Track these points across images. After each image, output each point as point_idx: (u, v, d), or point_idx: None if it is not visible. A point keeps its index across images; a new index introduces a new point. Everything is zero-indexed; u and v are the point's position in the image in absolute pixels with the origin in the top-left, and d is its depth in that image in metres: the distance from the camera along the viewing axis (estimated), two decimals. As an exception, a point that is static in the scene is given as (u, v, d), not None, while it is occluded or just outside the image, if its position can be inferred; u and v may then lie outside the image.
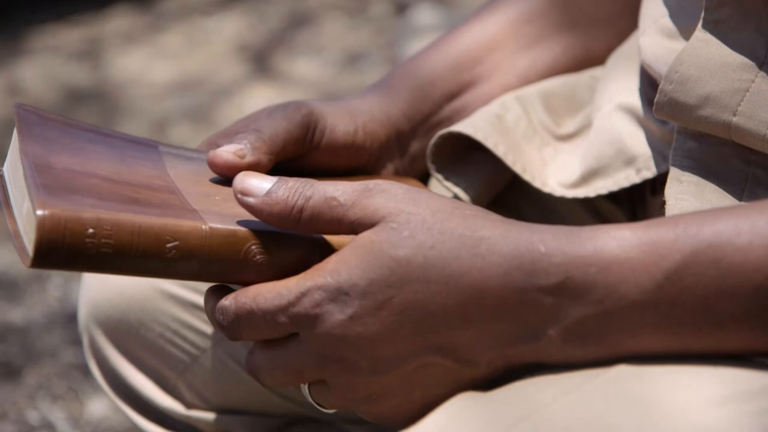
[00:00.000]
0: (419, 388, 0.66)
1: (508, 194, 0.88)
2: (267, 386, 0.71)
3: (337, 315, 0.65)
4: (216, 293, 0.70)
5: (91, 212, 0.64)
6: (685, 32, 0.76)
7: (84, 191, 0.67)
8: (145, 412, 0.94)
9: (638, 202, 0.87)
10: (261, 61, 2.60)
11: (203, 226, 0.67)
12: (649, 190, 0.85)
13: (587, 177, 0.83)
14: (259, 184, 0.68)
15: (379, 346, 0.65)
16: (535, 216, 0.88)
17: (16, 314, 1.81)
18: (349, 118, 0.83)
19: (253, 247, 0.68)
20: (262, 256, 0.68)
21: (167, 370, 0.91)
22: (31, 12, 2.92)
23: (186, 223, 0.67)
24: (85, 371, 1.64)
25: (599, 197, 0.86)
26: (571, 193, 0.83)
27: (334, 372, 0.67)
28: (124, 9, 2.91)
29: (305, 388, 0.70)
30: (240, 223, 0.68)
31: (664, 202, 0.73)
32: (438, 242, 0.64)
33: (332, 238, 0.70)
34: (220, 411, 0.92)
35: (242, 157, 0.76)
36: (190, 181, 0.74)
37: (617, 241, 0.62)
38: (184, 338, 0.90)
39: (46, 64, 2.71)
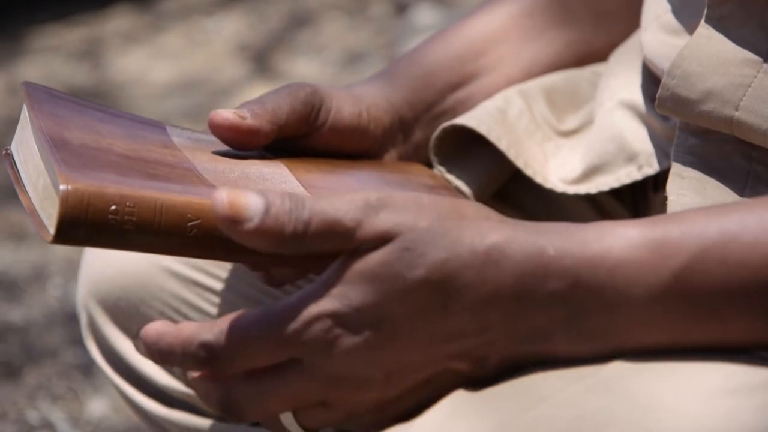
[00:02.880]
0: (429, 391, 0.66)
1: (510, 187, 0.88)
2: (245, 421, 0.67)
3: (352, 339, 0.63)
4: (201, 329, 0.66)
5: (114, 188, 0.64)
6: (688, 28, 0.76)
7: (104, 166, 0.67)
8: (145, 390, 0.94)
9: (640, 199, 0.88)
10: (261, 61, 2.60)
11: None
12: (651, 187, 0.85)
13: (588, 173, 0.83)
14: (246, 209, 0.63)
15: (396, 362, 0.64)
16: (537, 209, 0.89)
17: (16, 314, 1.81)
18: (354, 102, 0.83)
19: None
20: None
21: (167, 346, 0.91)
22: (31, 12, 2.92)
23: (208, 202, 0.66)
24: (86, 371, 1.64)
25: (601, 192, 0.86)
26: (572, 189, 0.83)
27: (344, 391, 0.65)
28: (124, 9, 2.91)
29: (289, 416, 0.67)
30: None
31: (665, 198, 0.73)
32: (451, 255, 0.63)
33: None
34: None
35: (243, 118, 0.76)
36: (204, 157, 0.74)
37: (624, 241, 0.62)
38: (185, 316, 0.90)
39: (46, 64, 2.71)
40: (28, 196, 0.68)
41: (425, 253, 0.63)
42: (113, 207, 0.64)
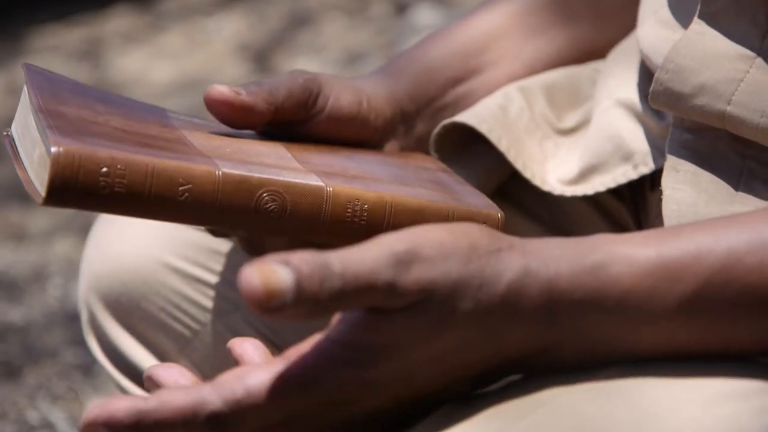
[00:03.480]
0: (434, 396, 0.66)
1: (510, 184, 0.88)
2: None
3: (372, 396, 0.61)
4: (174, 402, 0.60)
5: (105, 151, 0.65)
6: (683, 23, 0.76)
7: (97, 135, 0.67)
8: (144, 386, 0.94)
9: (638, 196, 0.88)
10: (261, 61, 2.60)
11: (216, 171, 0.67)
12: (648, 185, 0.85)
13: (585, 173, 0.83)
14: (276, 286, 0.57)
15: (408, 400, 0.63)
16: (536, 206, 0.89)
17: (16, 314, 1.81)
18: (354, 91, 0.83)
19: (265, 195, 0.68)
20: (274, 204, 0.68)
21: (168, 344, 0.91)
22: (31, 12, 2.92)
23: (199, 167, 0.67)
24: (85, 371, 1.64)
25: (599, 192, 0.86)
26: (569, 191, 0.83)
27: (353, 428, 0.64)
28: (124, 9, 2.92)
29: None
30: (253, 170, 0.69)
31: (662, 192, 0.73)
32: (476, 305, 0.61)
33: (347, 188, 0.70)
34: None
35: (238, 93, 0.76)
36: (201, 136, 0.75)
37: (630, 269, 0.62)
38: (186, 312, 0.90)
39: (46, 64, 2.70)
40: (24, 168, 0.68)
41: (455, 307, 0.60)
42: (104, 169, 0.64)
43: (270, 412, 0.60)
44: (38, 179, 0.66)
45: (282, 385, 0.60)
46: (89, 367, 1.64)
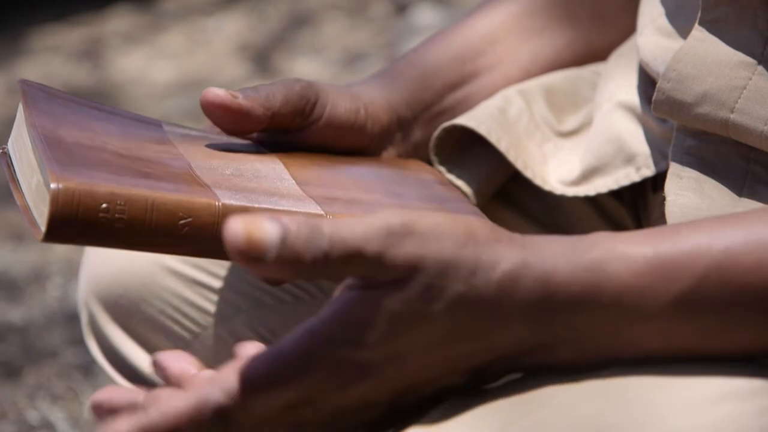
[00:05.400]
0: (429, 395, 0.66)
1: (511, 187, 0.88)
2: None
3: (362, 377, 0.62)
4: (176, 399, 0.62)
5: (104, 186, 0.64)
6: (683, 31, 0.76)
7: (96, 165, 0.67)
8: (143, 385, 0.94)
9: (639, 198, 0.88)
10: (261, 61, 2.60)
11: (216, 203, 0.67)
12: (650, 187, 0.85)
13: (587, 175, 0.83)
14: (262, 241, 0.58)
15: (402, 389, 0.63)
16: (537, 208, 0.89)
17: (16, 314, 1.81)
18: (351, 99, 0.82)
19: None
20: None
21: (168, 346, 0.91)
22: (31, 12, 2.91)
23: (199, 200, 0.66)
24: (85, 371, 1.64)
25: (601, 194, 0.86)
26: (571, 192, 0.83)
27: (349, 417, 0.64)
28: (124, 9, 2.91)
29: None
30: (253, 200, 0.68)
31: (664, 198, 0.73)
32: (468, 288, 0.61)
33: (345, 217, 0.70)
34: None
35: (235, 97, 0.76)
36: (198, 153, 0.74)
37: (627, 266, 0.62)
38: (186, 315, 0.90)
39: (46, 64, 2.71)
40: (23, 194, 0.68)
41: (446, 287, 0.61)
42: (104, 205, 0.64)
43: (271, 400, 0.61)
44: (37, 210, 0.66)
45: (279, 369, 0.61)
46: (89, 367, 1.64)
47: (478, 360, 0.63)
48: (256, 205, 0.68)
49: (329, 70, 2.51)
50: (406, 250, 0.60)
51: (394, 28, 2.60)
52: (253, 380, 0.61)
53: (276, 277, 0.60)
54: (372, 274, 0.60)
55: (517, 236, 0.63)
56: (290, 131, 0.80)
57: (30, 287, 1.89)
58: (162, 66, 2.64)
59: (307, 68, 2.53)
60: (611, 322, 0.62)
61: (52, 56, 2.74)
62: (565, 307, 0.62)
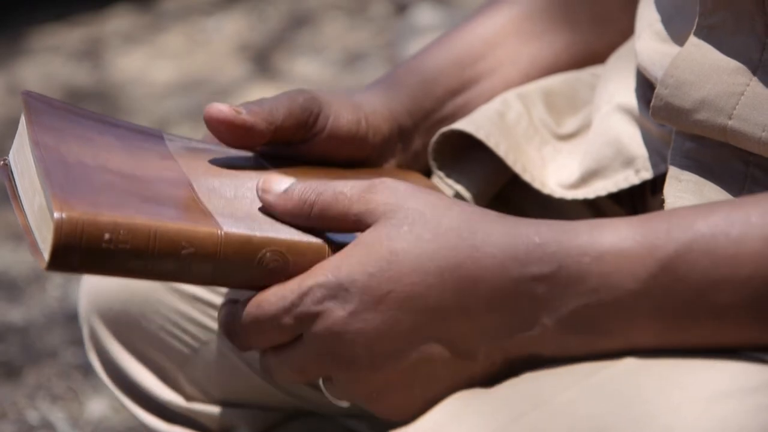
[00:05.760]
0: (419, 383, 0.67)
1: (509, 191, 0.88)
2: (279, 384, 0.73)
3: (337, 311, 0.66)
4: (226, 306, 0.71)
5: (107, 216, 0.64)
6: (681, 36, 0.76)
7: (99, 189, 0.67)
8: (145, 405, 0.94)
9: (638, 201, 0.88)
10: (261, 61, 2.60)
11: (219, 232, 0.67)
12: (649, 190, 0.85)
13: (586, 178, 0.83)
14: (279, 183, 0.71)
15: (379, 341, 0.66)
16: (537, 212, 0.88)
17: (16, 314, 1.81)
18: (353, 109, 0.83)
19: (268, 254, 0.68)
20: (276, 262, 0.69)
21: (168, 362, 0.91)
22: (31, 12, 2.92)
23: (202, 229, 0.67)
24: (85, 371, 1.64)
25: (600, 197, 0.86)
26: (570, 195, 0.83)
27: (336, 368, 0.68)
28: (124, 9, 2.92)
29: (321, 384, 0.71)
30: (255, 228, 0.69)
31: (663, 201, 0.73)
32: (435, 235, 0.65)
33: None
34: (221, 404, 0.92)
35: (238, 113, 0.76)
36: (200, 169, 0.74)
37: (611, 232, 0.63)
38: (185, 330, 0.90)
39: (46, 64, 2.71)
40: (24, 213, 0.68)
41: (411, 230, 0.65)
42: (107, 235, 0.64)
43: (263, 326, 0.69)
44: (39, 233, 0.66)
45: (273, 295, 0.69)
46: (89, 367, 1.64)
47: (453, 328, 0.65)
48: (258, 234, 0.68)
49: (329, 70, 2.51)
50: (379, 196, 0.68)
51: (394, 28, 2.60)
52: (250, 307, 0.70)
53: (279, 215, 0.70)
54: (350, 213, 0.68)
55: (502, 214, 0.67)
56: (292, 143, 0.80)
57: (30, 287, 1.89)
58: (162, 66, 2.64)
59: (307, 68, 2.53)
60: (592, 287, 0.63)
61: (52, 56, 2.74)
62: (541, 265, 0.63)
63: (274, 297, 0.68)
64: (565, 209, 0.88)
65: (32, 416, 1.57)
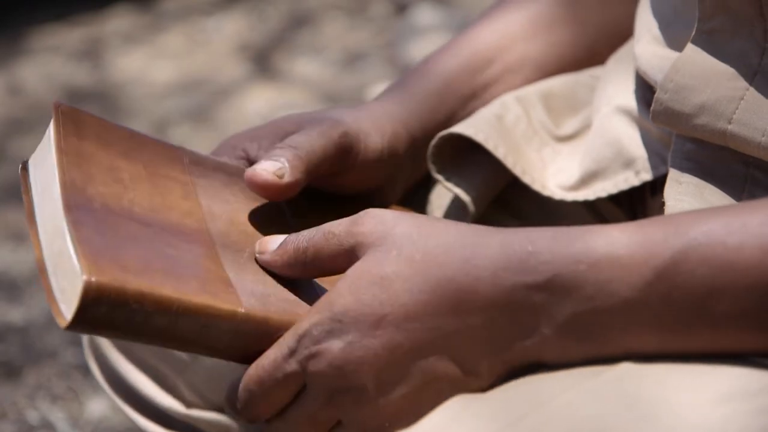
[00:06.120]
0: (428, 405, 0.66)
1: (508, 194, 0.88)
2: None
3: (336, 345, 0.65)
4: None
5: (135, 284, 0.64)
6: (680, 41, 0.76)
7: (124, 244, 0.66)
8: (145, 411, 0.94)
9: (638, 203, 0.88)
10: (261, 61, 2.60)
11: (240, 309, 0.67)
12: (648, 191, 0.85)
13: (586, 179, 0.83)
14: (273, 240, 0.71)
15: (382, 367, 0.65)
16: (535, 215, 0.89)
17: (16, 314, 1.81)
18: (378, 135, 0.82)
19: (283, 333, 0.68)
20: None
21: (167, 368, 0.91)
22: (31, 12, 2.92)
23: (224, 307, 0.67)
24: (85, 371, 1.64)
25: (600, 198, 0.86)
26: (570, 196, 0.83)
27: (345, 406, 0.67)
28: (124, 9, 2.92)
29: None
30: (271, 309, 0.69)
31: (663, 203, 0.73)
32: (424, 254, 0.65)
33: None
34: (220, 410, 0.92)
35: (281, 177, 0.75)
36: (223, 218, 0.74)
37: (606, 240, 0.63)
38: None
39: (46, 64, 2.70)
40: (41, 246, 0.67)
41: (399, 253, 0.65)
42: (133, 305, 0.63)
43: (267, 388, 0.68)
44: (56, 280, 0.65)
45: (269, 349, 0.68)
46: (89, 368, 1.64)
47: (454, 344, 0.64)
48: (276, 318, 0.68)
49: (329, 70, 2.51)
50: (366, 226, 0.67)
51: (394, 28, 2.60)
52: (246, 378, 0.69)
53: (278, 270, 0.71)
54: (340, 251, 0.68)
55: (490, 227, 0.66)
56: (322, 177, 0.80)
57: (30, 287, 1.89)
58: (162, 66, 2.64)
59: (307, 68, 2.53)
60: (588, 295, 0.62)
61: (52, 56, 2.74)
62: (535, 275, 0.63)
63: (271, 351, 0.68)
64: (564, 211, 0.88)
65: (32, 416, 1.57)
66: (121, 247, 0.66)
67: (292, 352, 0.67)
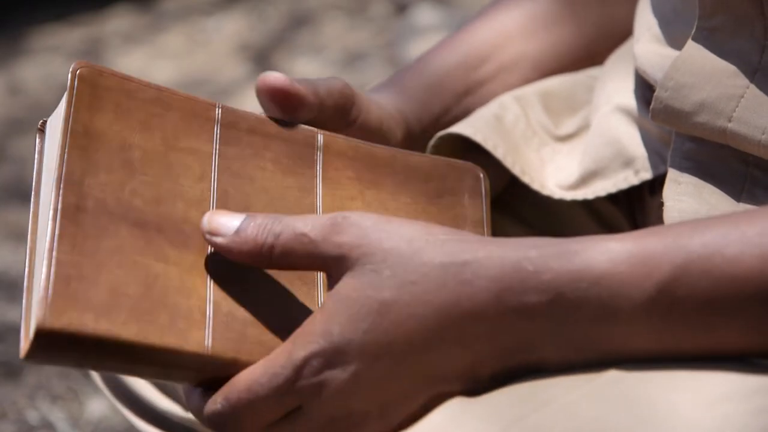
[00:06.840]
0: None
1: (507, 194, 0.88)
2: None
3: (340, 376, 0.64)
4: (197, 397, 0.68)
5: (91, 329, 0.62)
6: (680, 39, 0.76)
7: (103, 262, 0.64)
8: (143, 414, 0.94)
9: (637, 202, 0.87)
10: (261, 61, 2.60)
11: (205, 352, 0.65)
12: (647, 191, 0.85)
13: (586, 178, 0.83)
14: (227, 222, 0.67)
15: (387, 393, 0.64)
16: (534, 215, 0.89)
17: (16, 314, 1.81)
18: (376, 108, 0.81)
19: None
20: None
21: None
22: (31, 12, 2.92)
23: (188, 349, 0.64)
24: (85, 371, 1.64)
25: (598, 197, 0.86)
26: (570, 195, 0.83)
27: (346, 428, 0.66)
28: (124, 9, 2.92)
29: None
30: (243, 349, 0.66)
31: (662, 203, 0.73)
32: (420, 275, 0.63)
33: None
34: None
35: (292, 82, 0.74)
36: (237, 199, 0.70)
37: (606, 255, 0.62)
38: None
39: (46, 64, 2.71)
40: (36, 237, 0.66)
41: (394, 274, 0.63)
42: (88, 347, 0.62)
43: (256, 407, 0.66)
44: (27, 297, 0.64)
45: (257, 378, 0.65)
46: (89, 368, 1.64)
47: (458, 366, 0.64)
48: (245, 358, 0.66)
49: (329, 70, 2.51)
50: (346, 237, 0.64)
51: (394, 28, 2.60)
52: (238, 391, 0.66)
53: (238, 259, 0.66)
54: (315, 257, 0.65)
55: (487, 238, 0.65)
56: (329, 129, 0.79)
57: (30, 287, 1.89)
58: (162, 66, 2.64)
59: (307, 68, 2.53)
60: (591, 313, 0.62)
61: (52, 56, 2.74)
62: (537, 294, 0.62)
63: (265, 377, 0.65)
64: (562, 211, 0.88)
65: (32, 416, 1.57)
66: (97, 271, 0.64)
67: (288, 382, 0.65)
